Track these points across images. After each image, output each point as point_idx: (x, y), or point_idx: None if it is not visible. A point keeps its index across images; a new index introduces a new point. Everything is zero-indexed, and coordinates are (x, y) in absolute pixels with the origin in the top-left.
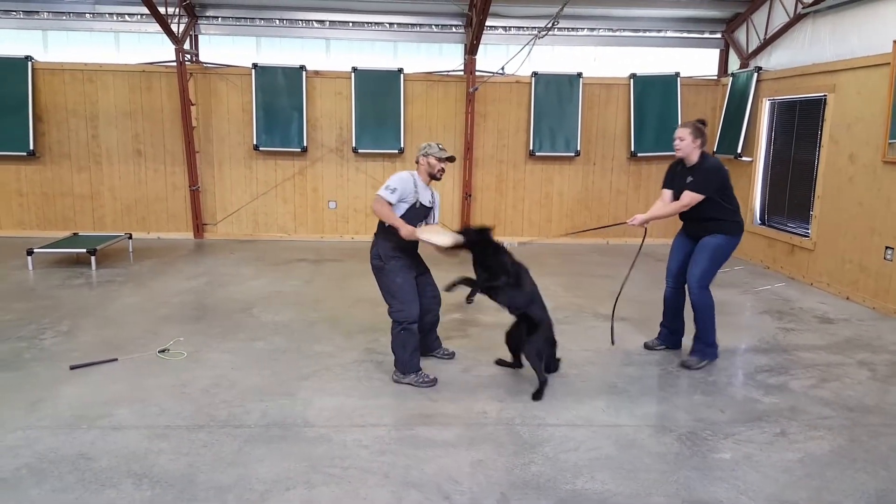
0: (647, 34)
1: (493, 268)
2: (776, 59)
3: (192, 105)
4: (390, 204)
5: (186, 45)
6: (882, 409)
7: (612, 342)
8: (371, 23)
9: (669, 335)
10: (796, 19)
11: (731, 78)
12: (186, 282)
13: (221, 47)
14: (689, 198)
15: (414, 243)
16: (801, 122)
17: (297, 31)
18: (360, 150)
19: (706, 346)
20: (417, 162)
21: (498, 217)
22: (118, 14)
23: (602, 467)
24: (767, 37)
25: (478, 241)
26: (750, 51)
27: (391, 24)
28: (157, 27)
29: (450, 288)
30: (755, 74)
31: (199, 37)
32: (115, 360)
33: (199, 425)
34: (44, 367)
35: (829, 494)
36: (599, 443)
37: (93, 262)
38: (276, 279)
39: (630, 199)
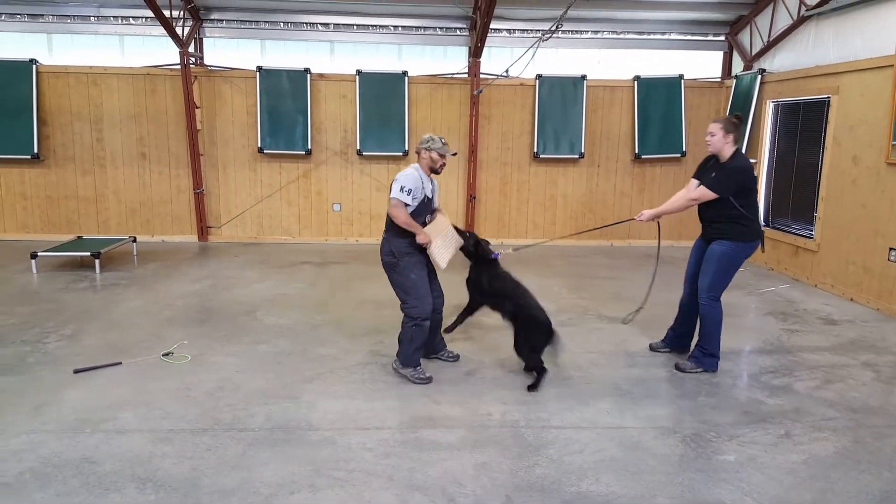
0: (651, 37)
1: (485, 283)
2: (780, 62)
3: (197, 108)
4: (406, 206)
5: (191, 48)
6: (886, 410)
7: (625, 321)
8: (375, 26)
9: (675, 339)
10: (799, 22)
11: (734, 80)
12: (191, 285)
13: (226, 50)
14: (700, 193)
15: None
16: (804, 124)
17: (302, 34)
18: (364, 153)
19: (704, 355)
20: (418, 153)
21: (502, 219)
22: (123, 17)
23: (607, 469)
24: (771, 39)
25: (475, 255)
26: (753, 53)
27: (395, 26)
28: (161, 30)
29: (451, 329)
30: (759, 77)
31: (204, 40)
32: (120, 363)
33: (203, 429)
34: (48, 370)
35: (833, 496)
36: (604, 445)
37: (97, 266)
38: (280, 282)
39: (634, 201)
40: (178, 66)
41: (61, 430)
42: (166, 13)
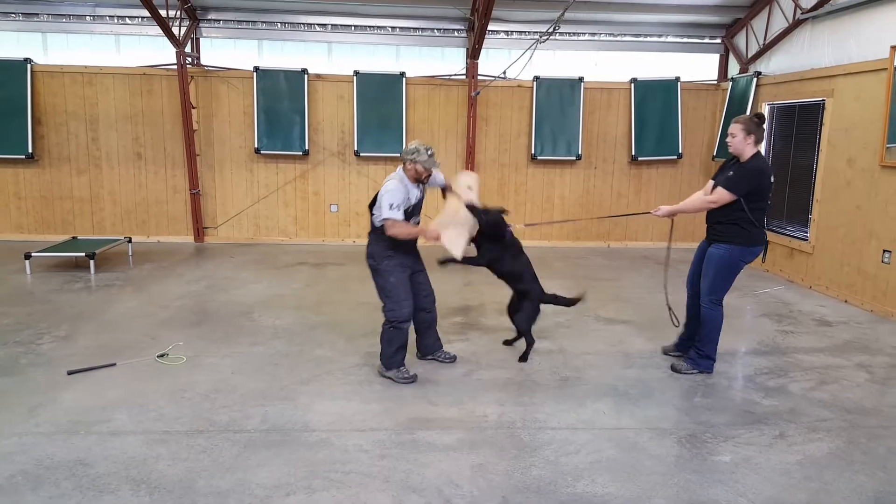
0: (648, 39)
1: (487, 247)
2: (775, 64)
3: (193, 108)
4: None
5: (188, 48)
6: (880, 411)
7: (675, 323)
8: (373, 26)
9: (686, 341)
10: (795, 25)
11: (730, 83)
12: (186, 286)
13: (223, 50)
14: (717, 195)
15: (411, 242)
16: (799, 127)
17: (299, 34)
18: (361, 154)
19: (700, 357)
20: (403, 163)
21: None
22: (119, 17)
23: (603, 470)
24: (767, 42)
25: (490, 228)
26: (749, 56)
27: (393, 27)
28: (157, 30)
29: (443, 262)
30: (754, 79)
31: (201, 40)
32: (114, 364)
33: (198, 430)
34: (41, 372)
35: (827, 496)
36: (600, 446)
37: (92, 266)
38: (276, 283)
39: (631, 202)
40: (175, 66)
41: (54, 431)
42: (163, 13)
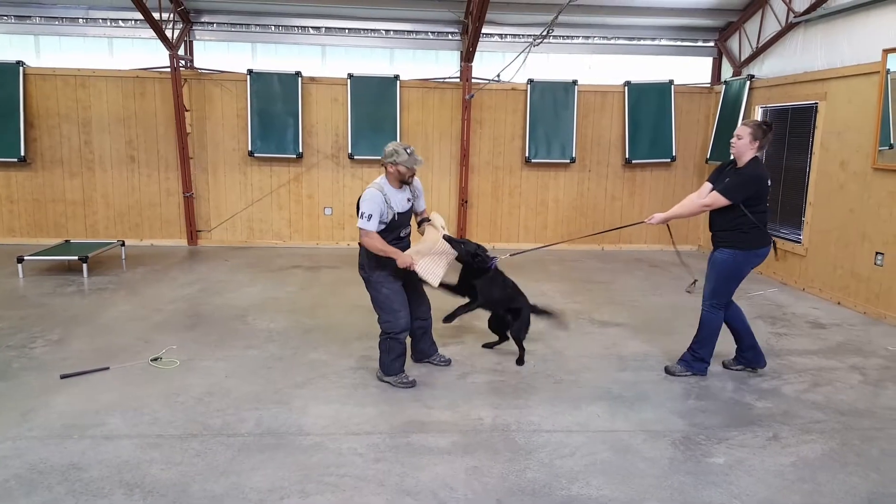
0: (642, 42)
1: (476, 286)
2: (768, 68)
3: (187, 111)
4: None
5: (181, 51)
6: (873, 412)
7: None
8: (367, 30)
9: (742, 352)
10: (788, 28)
11: (724, 86)
12: (180, 289)
13: (216, 53)
14: (712, 199)
15: (401, 249)
16: (792, 130)
17: (293, 37)
18: (355, 157)
19: (694, 360)
20: (385, 167)
21: (494, 223)
22: (111, 19)
23: (597, 473)
24: (760, 45)
25: (471, 263)
26: (742, 59)
27: (387, 30)
28: (151, 33)
29: (449, 319)
30: (748, 82)
31: (194, 42)
32: (107, 368)
33: (192, 434)
34: (34, 376)
35: (821, 498)
36: (595, 448)
37: (85, 270)
38: (270, 286)
39: (625, 205)
40: (168, 69)
41: (48, 436)
42: (156, 15)
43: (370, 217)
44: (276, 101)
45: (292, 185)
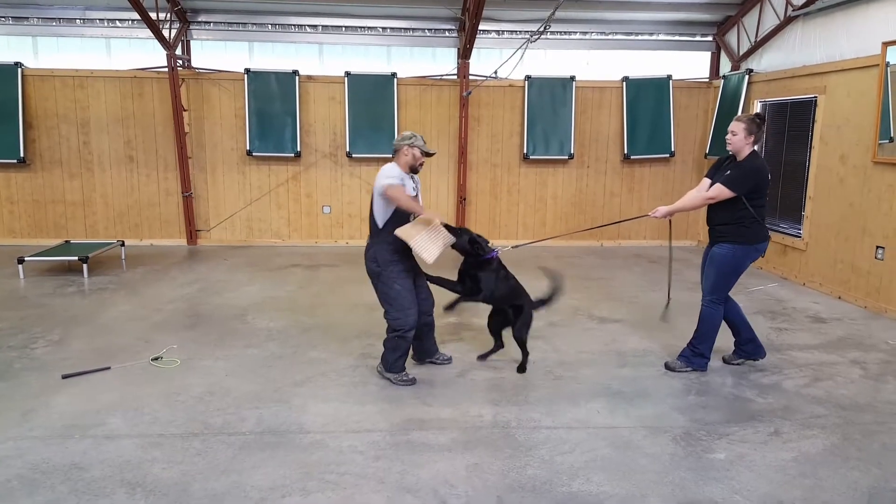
0: (639, 37)
1: (479, 279)
2: (767, 62)
3: (185, 111)
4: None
5: (178, 51)
6: (874, 407)
7: (664, 319)
8: (364, 27)
9: (741, 345)
10: (786, 22)
11: (722, 80)
12: (180, 289)
13: (214, 52)
14: (717, 191)
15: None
16: (792, 124)
17: (290, 35)
18: (354, 155)
19: (694, 355)
20: (398, 152)
21: (493, 220)
22: (109, 20)
23: (598, 469)
24: (758, 39)
25: (469, 252)
26: (741, 53)
27: (384, 28)
28: (148, 33)
29: (450, 308)
30: (746, 76)
31: (192, 42)
32: (108, 368)
33: (193, 433)
34: (35, 376)
35: (822, 493)
36: (595, 444)
37: (85, 270)
38: (270, 285)
39: (624, 201)
40: (166, 69)
41: (49, 436)
42: (153, 15)
43: (399, 178)
44: (273, 100)
45: (291, 184)
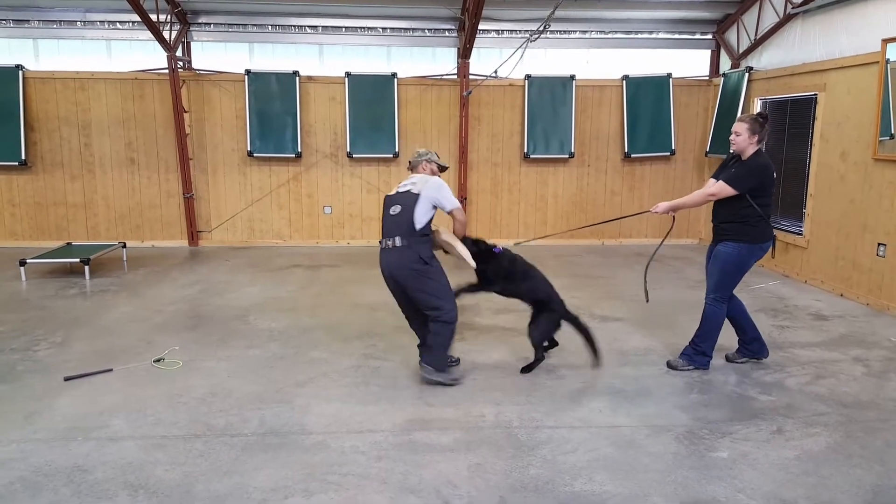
0: (639, 36)
1: (488, 272)
2: (767, 59)
3: (186, 112)
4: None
5: (179, 52)
6: (877, 404)
7: (647, 299)
8: (364, 28)
9: (745, 344)
10: (786, 19)
11: (722, 78)
12: (181, 290)
13: (214, 54)
14: (718, 188)
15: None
16: (792, 121)
17: (290, 36)
18: (354, 155)
19: (696, 353)
20: (417, 166)
21: (493, 220)
22: (109, 22)
23: (600, 468)
24: (758, 37)
25: (477, 251)
26: (741, 51)
27: (384, 28)
28: (148, 35)
29: (457, 293)
30: (746, 74)
31: (192, 43)
32: (110, 370)
33: (195, 434)
34: (38, 378)
35: (825, 491)
36: (597, 444)
37: (87, 272)
38: (271, 286)
39: (624, 199)
40: (166, 71)
41: (52, 438)
42: (153, 17)
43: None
44: (274, 100)
45: (292, 185)
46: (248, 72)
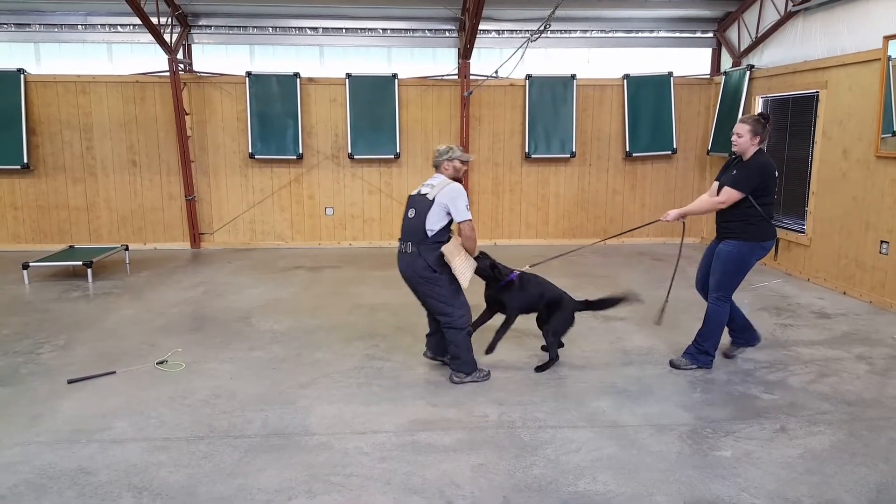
0: (640, 35)
1: (505, 302)
2: (768, 57)
3: (187, 114)
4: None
5: (180, 55)
6: (880, 402)
7: (659, 322)
8: (364, 29)
9: (738, 335)
10: (787, 17)
11: (723, 76)
12: (184, 292)
13: (215, 56)
14: (726, 195)
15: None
16: (794, 119)
17: (291, 38)
18: (355, 156)
19: (699, 352)
20: (439, 167)
21: (495, 220)
22: (110, 25)
23: (604, 468)
24: (759, 35)
25: (491, 277)
26: (742, 49)
27: (384, 29)
28: (149, 37)
29: (490, 350)
30: (747, 72)
31: (193, 46)
32: (114, 372)
33: (198, 436)
34: (41, 381)
35: (829, 489)
36: (601, 443)
37: (89, 275)
38: (273, 287)
39: (626, 199)
40: (167, 73)
41: (56, 440)
42: (154, 20)
43: (468, 207)
44: (275, 102)
45: (293, 186)
46: (248, 74)
